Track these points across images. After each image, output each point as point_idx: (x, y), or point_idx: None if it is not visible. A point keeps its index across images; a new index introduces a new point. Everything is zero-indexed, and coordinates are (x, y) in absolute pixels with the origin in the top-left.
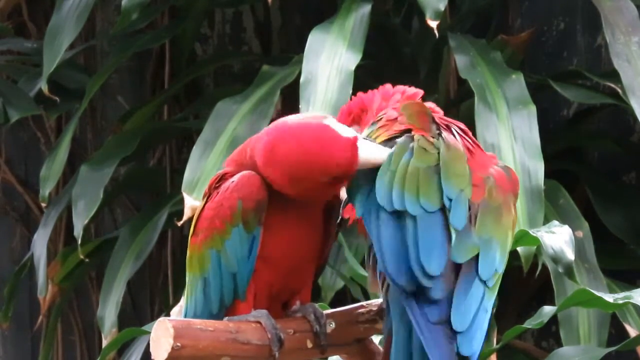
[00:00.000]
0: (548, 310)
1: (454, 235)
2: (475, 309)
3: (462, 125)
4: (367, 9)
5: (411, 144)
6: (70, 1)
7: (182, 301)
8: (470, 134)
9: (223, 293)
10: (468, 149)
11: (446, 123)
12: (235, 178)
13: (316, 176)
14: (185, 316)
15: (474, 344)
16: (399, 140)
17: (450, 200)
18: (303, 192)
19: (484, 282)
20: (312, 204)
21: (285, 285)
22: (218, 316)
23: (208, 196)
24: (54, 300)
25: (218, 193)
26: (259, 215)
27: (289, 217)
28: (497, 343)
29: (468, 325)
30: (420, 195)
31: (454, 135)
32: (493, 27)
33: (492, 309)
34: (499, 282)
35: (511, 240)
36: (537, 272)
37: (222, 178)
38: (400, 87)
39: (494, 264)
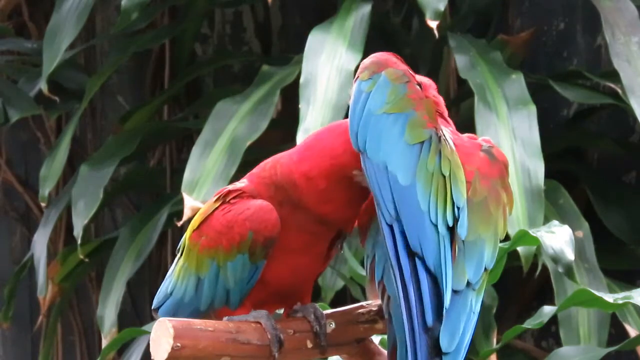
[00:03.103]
0: (548, 310)
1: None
2: (464, 325)
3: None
4: (367, 9)
5: (439, 146)
6: (70, 1)
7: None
8: (449, 119)
9: (214, 300)
10: (454, 140)
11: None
12: (252, 206)
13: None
14: (170, 295)
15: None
16: (433, 137)
17: (459, 208)
18: (333, 198)
19: (471, 286)
20: (322, 235)
21: (279, 302)
22: (204, 314)
23: (221, 203)
24: (54, 300)
25: (231, 210)
26: (267, 250)
27: (295, 248)
28: (497, 343)
29: (456, 346)
30: (446, 210)
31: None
32: (493, 27)
33: (481, 306)
34: (487, 278)
35: (504, 228)
36: (537, 272)
37: (240, 195)
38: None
39: (482, 265)
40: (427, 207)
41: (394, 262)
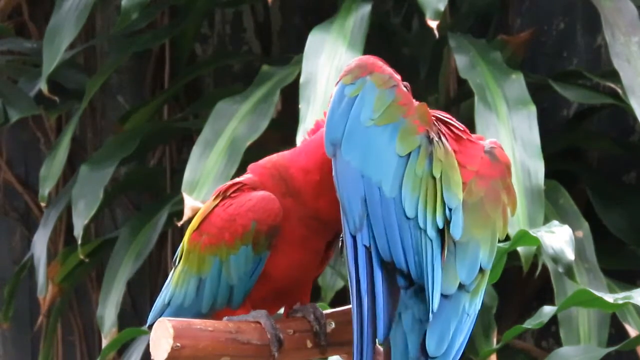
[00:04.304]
0: (548, 310)
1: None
2: (455, 329)
3: (442, 114)
4: (367, 9)
5: (430, 149)
6: (70, 1)
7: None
8: (454, 121)
9: (216, 299)
10: (456, 140)
11: (436, 118)
12: (254, 196)
13: None
14: (169, 302)
15: None
16: (423, 142)
17: (450, 209)
18: (328, 191)
19: (464, 287)
20: (320, 231)
21: (279, 301)
22: (205, 317)
23: (221, 199)
24: (54, 300)
25: (232, 204)
26: (270, 240)
27: (295, 242)
28: (497, 343)
29: (445, 350)
30: (436, 212)
31: (445, 134)
32: (493, 27)
33: (479, 308)
34: (485, 279)
35: (504, 229)
36: (537, 272)
37: (240, 189)
38: None
39: (476, 267)
40: (414, 212)
41: (351, 273)
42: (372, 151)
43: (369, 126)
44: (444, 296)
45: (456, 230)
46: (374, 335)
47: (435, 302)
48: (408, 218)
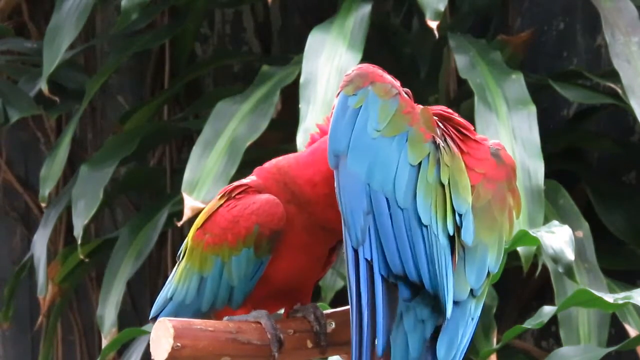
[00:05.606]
0: (548, 310)
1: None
2: (462, 334)
3: (447, 110)
4: (367, 9)
5: (438, 156)
6: (70, 1)
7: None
8: (457, 117)
9: (217, 299)
10: (463, 140)
11: (439, 118)
12: (258, 200)
13: None
14: (170, 299)
15: None
16: (431, 148)
17: (461, 215)
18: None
19: (471, 292)
20: (324, 238)
21: (280, 302)
22: (206, 315)
23: (226, 200)
24: (54, 300)
25: (236, 206)
26: (272, 244)
27: (298, 247)
28: (497, 343)
29: (452, 356)
30: (447, 219)
31: (451, 135)
32: (493, 27)
33: (481, 312)
34: (489, 282)
35: (510, 231)
36: (537, 272)
37: (245, 191)
38: None
39: (484, 271)
40: (429, 219)
41: (352, 286)
42: (381, 162)
43: (375, 137)
44: (454, 302)
45: (467, 236)
46: (373, 348)
47: (449, 309)
48: (424, 226)
